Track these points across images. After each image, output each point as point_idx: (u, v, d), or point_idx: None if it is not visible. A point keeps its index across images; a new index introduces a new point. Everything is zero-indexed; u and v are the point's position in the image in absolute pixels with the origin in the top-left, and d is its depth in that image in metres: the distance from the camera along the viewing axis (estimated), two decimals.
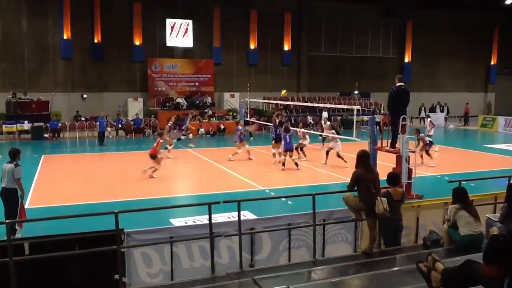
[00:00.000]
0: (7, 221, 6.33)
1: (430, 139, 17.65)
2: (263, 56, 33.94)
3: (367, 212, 6.88)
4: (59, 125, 25.23)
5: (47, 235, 6.56)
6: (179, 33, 31.12)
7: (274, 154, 16.87)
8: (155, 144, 14.88)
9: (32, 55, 28.34)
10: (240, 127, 18.09)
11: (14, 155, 8.90)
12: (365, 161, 6.94)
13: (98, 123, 22.85)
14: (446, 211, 7.05)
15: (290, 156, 15.84)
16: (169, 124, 19.86)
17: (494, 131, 29.74)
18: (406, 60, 38.27)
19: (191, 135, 22.04)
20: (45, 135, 24.42)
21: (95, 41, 29.32)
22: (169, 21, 30.75)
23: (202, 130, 25.73)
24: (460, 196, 6.70)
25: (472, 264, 4.05)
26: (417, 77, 37.26)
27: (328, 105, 26.05)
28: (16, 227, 8.44)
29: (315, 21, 34.99)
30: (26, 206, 10.20)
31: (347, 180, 7.31)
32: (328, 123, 19.57)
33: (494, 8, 36.88)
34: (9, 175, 8.63)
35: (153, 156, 14.53)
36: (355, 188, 6.95)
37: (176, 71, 31.65)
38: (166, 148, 18.00)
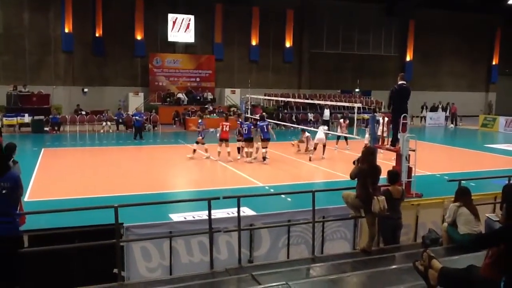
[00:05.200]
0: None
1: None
2: (265, 52, 33.90)
3: (365, 210, 6.88)
4: (59, 118, 25.20)
5: (46, 228, 6.57)
6: (181, 29, 31.10)
7: (247, 153, 16.64)
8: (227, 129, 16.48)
9: (33, 48, 28.30)
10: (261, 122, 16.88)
11: (11, 151, 8.78)
12: (369, 158, 6.90)
13: (135, 118, 22.96)
14: (446, 210, 7.05)
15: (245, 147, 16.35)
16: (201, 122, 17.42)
17: (495, 131, 29.73)
18: (408, 59, 38.23)
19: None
20: (46, 129, 24.39)
21: (97, 35, 29.27)
22: (171, 16, 30.72)
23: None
24: (462, 194, 6.70)
25: (475, 269, 4.05)
26: (418, 76, 37.22)
27: (329, 103, 26.05)
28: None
29: (317, 18, 34.93)
30: (25, 199, 10.24)
31: (347, 177, 7.33)
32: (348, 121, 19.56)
33: (496, 8, 36.80)
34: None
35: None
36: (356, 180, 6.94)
37: (177, 66, 31.61)
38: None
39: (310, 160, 16.73)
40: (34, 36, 28.26)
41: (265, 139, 16.22)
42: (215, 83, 32.65)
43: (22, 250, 5.81)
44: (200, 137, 16.83)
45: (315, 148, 17.07)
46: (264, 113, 19.69)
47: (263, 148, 16.25)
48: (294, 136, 20.88)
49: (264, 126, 16.23)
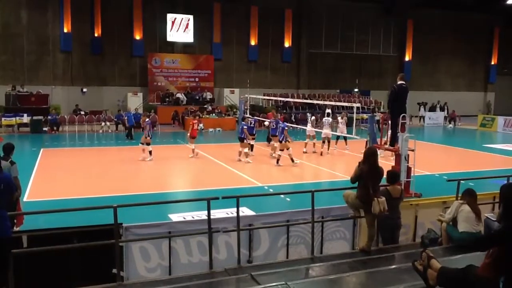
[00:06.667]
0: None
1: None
2: (263, 52, 33.90)
3: (365, 210, 6.87)
4: (58, 118, 25.15)
5: (45, 228, 6.56)
6: (180, 28, 31.08)
7: (241, 153, 16.67)
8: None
9: (31, 48, 28.24)
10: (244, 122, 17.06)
11: (9, 151, 8.72)
12: (370, 159, 6.78)
13: (126, 117, 22.82)
14: (447, 209, 7.05)
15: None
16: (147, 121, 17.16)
17: (493, 131, 29.74)
18: (406, 58, 38.27)
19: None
20: (44, 129, 24.35)
21: (95, 34, 29.24)
22: (169, 16, 30.71)
23: (201, 125, 25.65)
24: (468, 194, 6.71)
25: (474, 269, 4.05)
26: (417, 76, 37.28)
27: (327, 103, 26.06)
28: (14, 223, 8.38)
29: (316, 18, 34.91)
30: (24, 199, 10.23)
31: (346, 177, 7.32)
32: (345, 118, 19.73)
33: (495, 8, 36.86)
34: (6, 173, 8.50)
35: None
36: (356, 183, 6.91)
37: (176, 66, 31.61)
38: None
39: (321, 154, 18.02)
40: (33, 35, 28.20)
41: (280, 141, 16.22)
42: (214, 83, 32.64)
43: (21, 250, 5.81)
44: (148, 137, 16.49)
45: (326, 141, 18.36)
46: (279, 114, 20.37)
47: (280, 149, 16.08)
48: (293, 136, 20.87)
49: (281, 128, 16.03)
